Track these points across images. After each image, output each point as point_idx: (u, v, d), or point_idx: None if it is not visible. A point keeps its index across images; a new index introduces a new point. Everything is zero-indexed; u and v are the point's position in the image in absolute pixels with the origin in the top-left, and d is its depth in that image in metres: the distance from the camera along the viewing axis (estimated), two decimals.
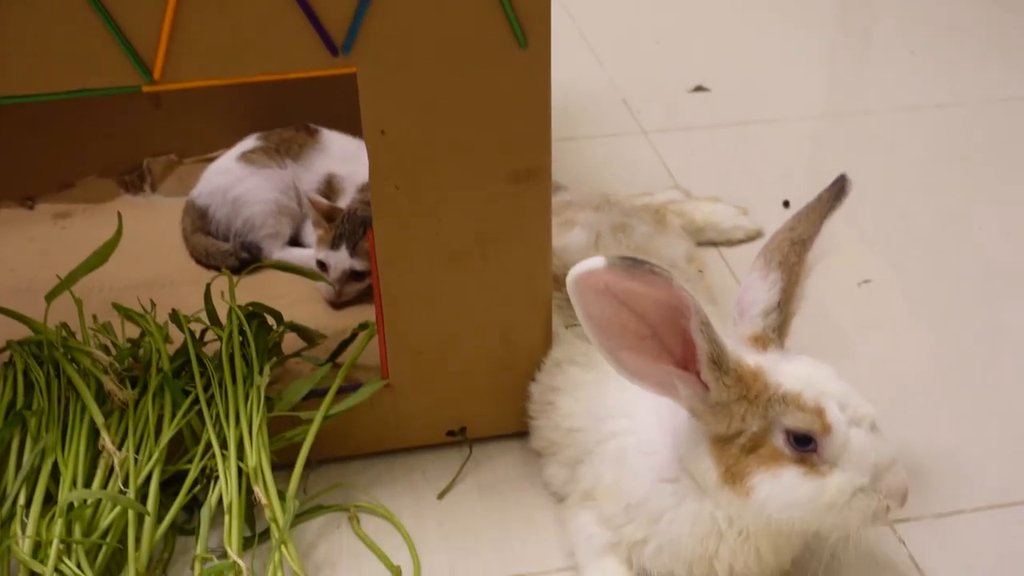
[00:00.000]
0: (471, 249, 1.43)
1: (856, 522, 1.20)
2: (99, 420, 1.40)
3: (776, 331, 1.30)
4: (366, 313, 1.72)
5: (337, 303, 1.88)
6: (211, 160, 2.14)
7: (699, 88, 2.81)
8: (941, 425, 1.66)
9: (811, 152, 2.57)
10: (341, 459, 1.60)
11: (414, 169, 1.36)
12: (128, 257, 1.67)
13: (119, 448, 1.39)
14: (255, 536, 1.43)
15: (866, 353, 1.83)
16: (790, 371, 1.23)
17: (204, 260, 2.02)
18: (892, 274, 2.02)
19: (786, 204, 2.27)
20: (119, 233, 1.48)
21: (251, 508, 1.44)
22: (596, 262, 1.14)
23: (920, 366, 1.79)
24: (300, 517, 1.49)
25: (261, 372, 1.48)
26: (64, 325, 1.51)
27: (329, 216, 1.90)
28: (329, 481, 1.55)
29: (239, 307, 1.56)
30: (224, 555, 1.32)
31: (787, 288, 1.30)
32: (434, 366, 1.52)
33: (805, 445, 1.19)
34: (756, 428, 1.21)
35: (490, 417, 1.60)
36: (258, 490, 1.37)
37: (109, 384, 1.43)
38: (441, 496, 1.54)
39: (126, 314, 1.59)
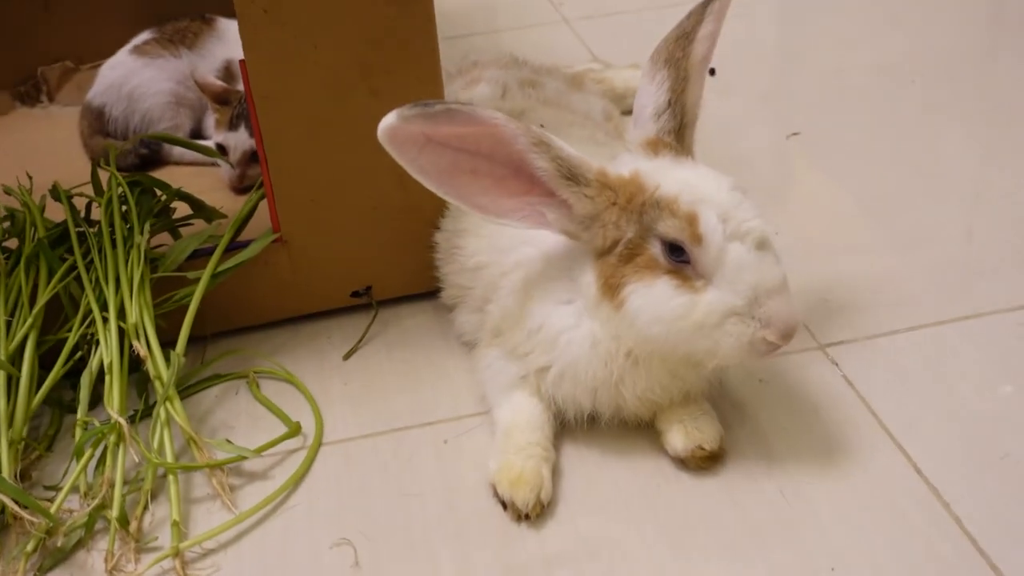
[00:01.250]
0: (357, 84, 1.34)
1: (729, 349, 1.10)
2: None
3: (673, 135, 1.22)
4: None
5: (239, 188, 1.78)
6: None
7: None
8: (876, 255, 1.59)
9: (739, 25, 2.47)
10: (242, 330, 1.50)
11: None
12: (27, 169, 1.58)
13: None
14: (139, 409, 1.34)
15: (798, 199, 1.75)
16: (674, 175, 1.14)
17: (105, 162, 1.91)
18: (822, 126, 1.93)
19: (712, 72, 2.19)
20: None
21: (145, 382, 1.35)
22: (389, 116, 1.08)
23: (853, 206, 1.71)
24: (195, 387, 1.40)
25: (142, 232, 1.38)
26: None
27: (222, 98, 1.81)
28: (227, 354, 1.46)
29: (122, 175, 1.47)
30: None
31: (675, 86, 1.22)
32: (329, 217, 1.43)
33: (678, 256, 1.11)
34: (632, 234, 1.13)
35: (397, 275, 1.51)
36: (137, 344, 1.27)
37: None
38: (347, 356, 1.45)
39: (6, 191, 1.49)
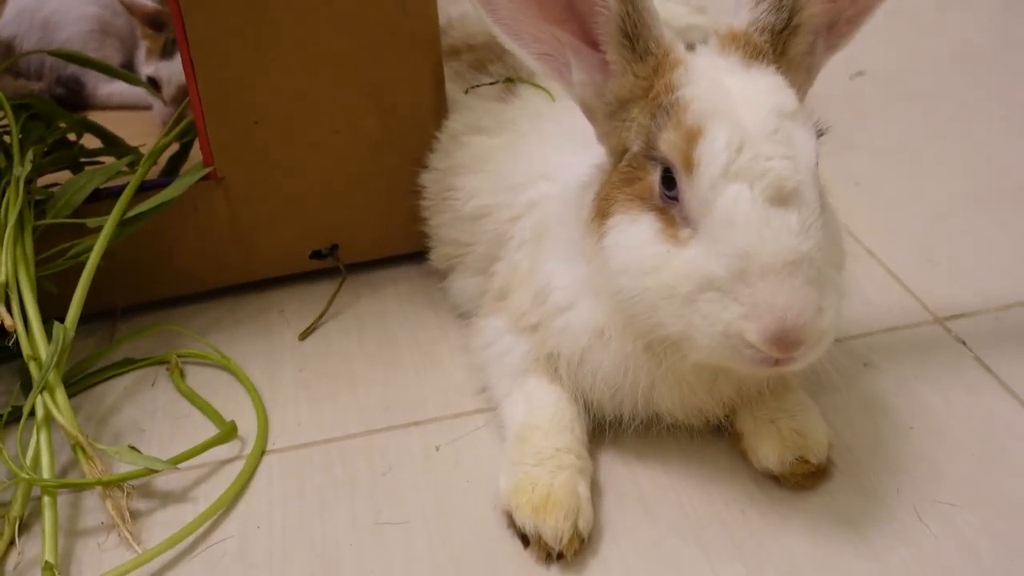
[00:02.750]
0: None
1: (703, 337, 0.76)
2: None
3: (769, 35, 0.83)
4: None
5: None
6: None
7: None
8: (984, 209, 1.23)
9: None
10: (164, 302, 1.14)
11: None
12: None
13: None
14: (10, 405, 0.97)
15: (872, 144, 1.39)
16: (712, 78, 0.80)
17: None
18: (886, 64, 1.58)
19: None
20: None
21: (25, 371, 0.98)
22: None
23: (941, 151, 1.36)
24: (96, 376, 1.05)
25: (23, 164, 1.01)
26: None
27: (154, 22, 1.46)
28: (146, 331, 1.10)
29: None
30: None
31: None
32: (278, 148, 1.07)
33: (671, 188, 0.78)
34: (638, 147, 0.81)
35: (370, 230, 1.15)
36: (2, 311, 0.90)
37: None
38: (304, 336, 1.09)
39: None
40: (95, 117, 1.41)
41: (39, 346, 0.91)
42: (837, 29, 0.85)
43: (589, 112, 0.86)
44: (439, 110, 1.09)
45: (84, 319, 0.96)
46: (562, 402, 0.90)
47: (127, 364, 1.05)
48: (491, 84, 1.12)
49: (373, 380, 1.02)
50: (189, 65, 1.01)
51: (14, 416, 0.93)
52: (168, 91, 1.40)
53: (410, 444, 0.94)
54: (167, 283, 1.12)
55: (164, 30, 1.44)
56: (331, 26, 1.01)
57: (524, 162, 1.00)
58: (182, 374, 1.03)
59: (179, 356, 1.05)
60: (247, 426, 0.96)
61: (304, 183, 1.09)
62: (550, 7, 0.82)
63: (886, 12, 0.86)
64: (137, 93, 1.50)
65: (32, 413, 0.89)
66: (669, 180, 0.78)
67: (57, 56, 1.29)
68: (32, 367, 0.90)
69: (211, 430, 0.96)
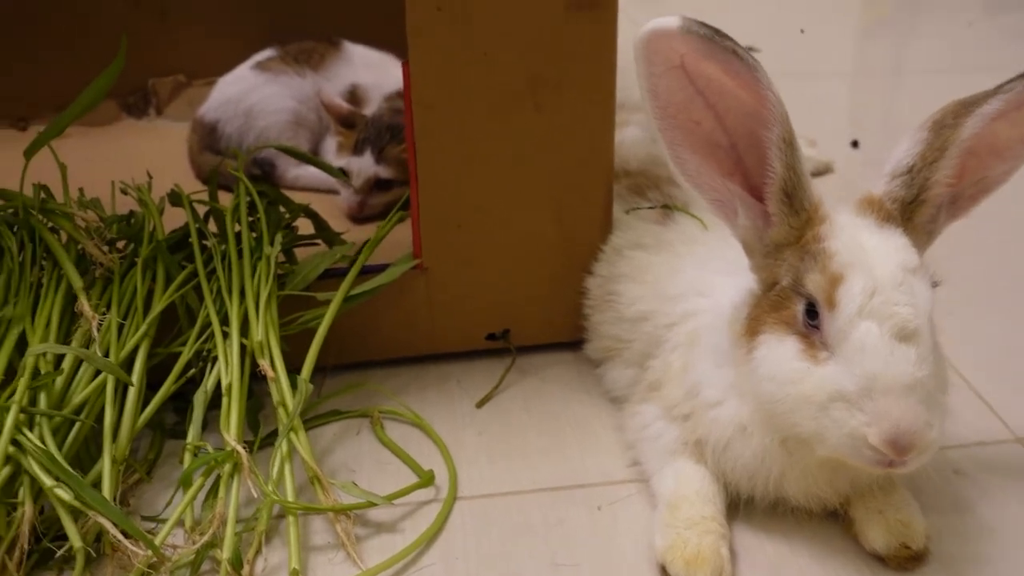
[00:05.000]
0: (523, 95, 1.21)
1: (834, 439, 0.94)
2: (77, 283, 1.17)
3: (899, 206, 1.03)
4: None
5: (359, 216, 1.65)
6: None
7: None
8: None
9: (878, 102, 2.35)
10: (362, 365, 1.36)
11: None
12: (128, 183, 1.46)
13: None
14: (256, 439, 1.19)
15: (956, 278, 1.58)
16: (852, 235, 1.00)
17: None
18: None
19: (855, 144, 2.07)
20: (121, 58, 1.25)
21: (256, 411, 1.21)
22: (671, 20, 0.94)
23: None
24: (311, 423, 1.25)
25: (272, 243, 1.24)
26: (43, 187, 1.28)
27: (348, 121, 1.69)
28: (346, 387, 1.31)
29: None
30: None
31: (926, 154, 1.02)
32: (475, 246, 1.29)
33: (813, 319, 0.97)
34: (786, 282, 1.00)
35: (538, 320, 1.36)
36: (264, 364, 1.13)
37: (91, 248, 1.20)
38: (480, 404, 1.30)
39: (122, 190, 1.36)
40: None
41: (286, 395, 1.12)
42: (959, 204, 1.06)
43: (748, 249, 1.06)
44: (606, 226, 1.31)
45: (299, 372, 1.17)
46: (706, 479, 1.09)
47: (336, 414, 1.27)
48: (649, 208, 1.34)
49: (541, 447, 1.22)
50: (414, 178, 1.23)
51: (261, 445, 1.16)
52: (356, 182, 1.63)
53: (576, 502, 1.13)
54: (369, 348, 1.33)
55: (355, 129, 1.67)
56: (531, 155, 1.23)
57: (681, 278, 1.20)
58: (383, 427, 1.25)
59: (380, 412, 1.26)
60: (439, 476, 1.17)
61: (489, 276, 1.30)
62: (726, 164, 1.03)
63: None
64: (323, 179, 1.73)
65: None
66: (812, 312, 0.97)
67: (281, 149, 1.51)
68: (280, 412, 1.12)
69: (408, 476, 1.16)
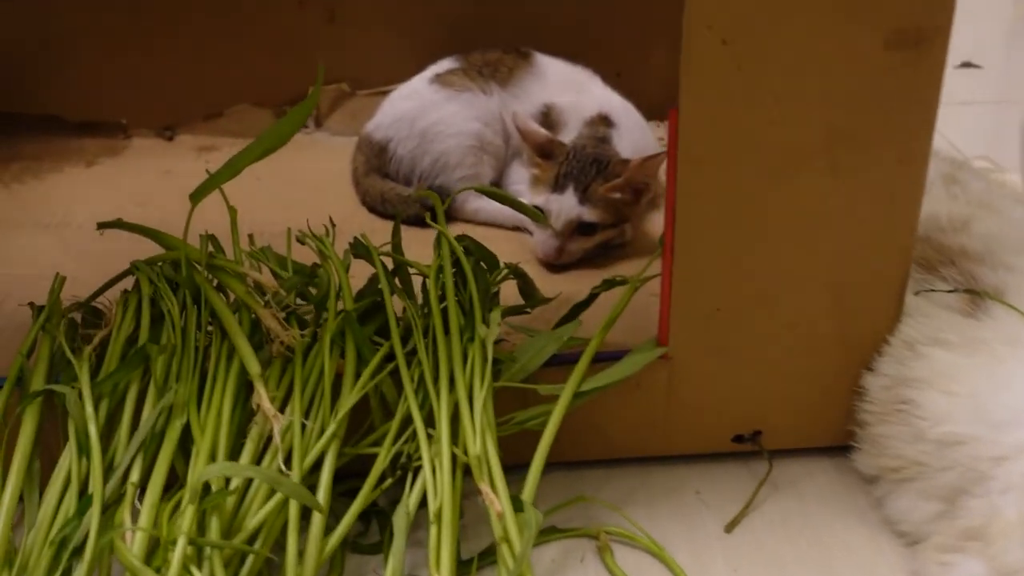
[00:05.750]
0: (816, 153, 0.95)
1: None
2: (253, 369, 0.95)
3: None
4: (591, 281, 1.16)
5: (556, 263, 1.41)
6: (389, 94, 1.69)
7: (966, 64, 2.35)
8: None
9: None
10: (572, 465, 1.12)
11: (750, 14, 0.89)
12: (283, 204, 1.36)
13: (280, 412, 0.93)
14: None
15: None
16: None
17: (379, 207, 1.57)
18: None
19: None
20: (316, 95, 1.02)
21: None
22: None
23: None
24: None
25: (485, 321, 1.01)
26: (211, 238, 1.06)
27: (545, 151, 1.45)
28: (560, 494, 1.07)
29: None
30: None
31: None
32: (731, 334, 1.04)
33: None
34: None
35: (794, 420, 1.10)
36: (485, 488, 0.89)
37: (269, 320, 0.98)
38: (730, 528, 1.05)
39: (300, 239, 1.14)
40: (459, 230, 1.42)
41: (510, 530, 0.89)
42: None
43: None
44: (896, 315, 1.04)
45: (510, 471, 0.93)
46: None
47: (553, 532, 1.03)
48: (949, 292, 1.07)
49: None
50: (669, 249, 0.99)
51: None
52: (557, 224, 1.39)
53: None
54: (589, 447, 1.10)
55: (555, 160, 1.43)
56: (817, 227, 0.98)
57: (1008, 395, 0.94)
58: (611, 553, 1.01)
59: (607, 533, 1.02)
60: None
61: (744, 368, 1.06)
62: None
63: None
64: (508, 214, 1.50)
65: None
66: None
67: (484, 193, 1.27)
68: (504, 551, 0.88)
69: None
